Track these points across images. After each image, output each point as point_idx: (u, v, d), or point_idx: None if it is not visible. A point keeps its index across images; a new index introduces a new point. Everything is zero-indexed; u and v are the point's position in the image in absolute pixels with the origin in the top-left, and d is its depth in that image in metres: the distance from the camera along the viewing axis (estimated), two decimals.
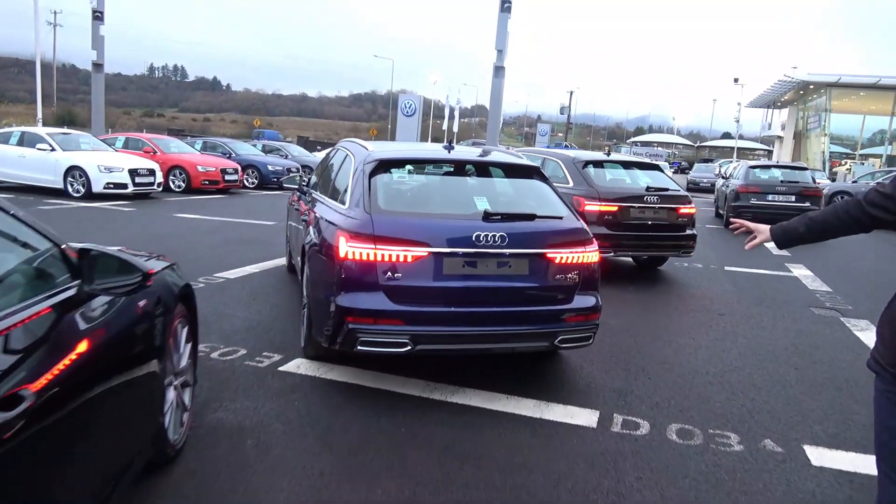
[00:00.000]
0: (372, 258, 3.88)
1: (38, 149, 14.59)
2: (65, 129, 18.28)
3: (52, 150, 14.59)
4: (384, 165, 4.36)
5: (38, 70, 22.28)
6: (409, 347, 3.89)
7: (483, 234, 3.95)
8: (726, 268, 9.85)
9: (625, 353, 5.36)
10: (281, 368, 4.56)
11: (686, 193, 8.70)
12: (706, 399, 4.45)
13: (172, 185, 17.41)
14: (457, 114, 56.32)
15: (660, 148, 71.06)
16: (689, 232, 8.50)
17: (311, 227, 4.77)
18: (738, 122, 51.77)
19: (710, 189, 29.59)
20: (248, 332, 5.35)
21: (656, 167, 9.21)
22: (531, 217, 4.17)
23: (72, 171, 14.30)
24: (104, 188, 14.22)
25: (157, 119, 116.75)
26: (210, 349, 4.86)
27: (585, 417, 4.00)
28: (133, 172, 14.71)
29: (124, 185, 14.51)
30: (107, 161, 14.53)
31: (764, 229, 2.58)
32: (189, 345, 3.47)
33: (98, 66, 20.85)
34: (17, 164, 14.79)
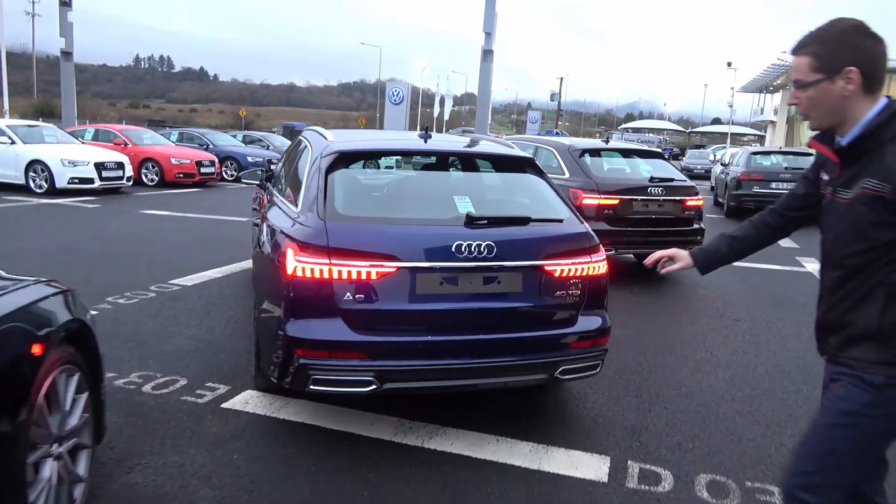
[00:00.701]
0: (327, 276, 3.10)
1: None
2: (29, 122, 17.31)
3: (12, 143, 13.66)
4: (345, 159, 3.57)
5: (3, 58, 21.19)
6: (373, 387, 3.12)
7: (465, 244, 3.17)
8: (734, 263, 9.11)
9: (635, 373, 4.61)
10: (225, 405, 3.78)
11: (692, 184, 7.94)
12: (736, 436, 3.70)
13: (145, 179, 16.52)
14: (447, 102, 55.34)
15: (651, 134, 70.32)
16: (696, 226, 7.76)
17: (261, 234, 3.98)
18: (731, 106, 51.13)
19: (704, 176, 28.88)
20: (194, 355, 4.56)
21: (659, 155, 8.45)
22: (524, 221, 3.40)
23: (33, 166, 13.40)
24: (68, 183, 13.33)
25: (143, 110, 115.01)
26: (143, 380, 4.07)
27: (594, 468, 3.24)
28: (100, 166, 13.82)
29: (90, 180, 13.62)
30: (71, 154, 13.62)
31: (683, 255, 2.42)
32: (84, 396, 2.68)
33: (67, 54, 19.84)
34: None
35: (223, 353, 4.62)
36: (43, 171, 13.33)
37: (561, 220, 3.54)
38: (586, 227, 3.60)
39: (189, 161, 16.73)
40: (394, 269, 3.13)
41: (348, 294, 3.12)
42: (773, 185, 14.06)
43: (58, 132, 15.55)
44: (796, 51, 1.78)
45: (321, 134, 4.08)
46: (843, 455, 1.84)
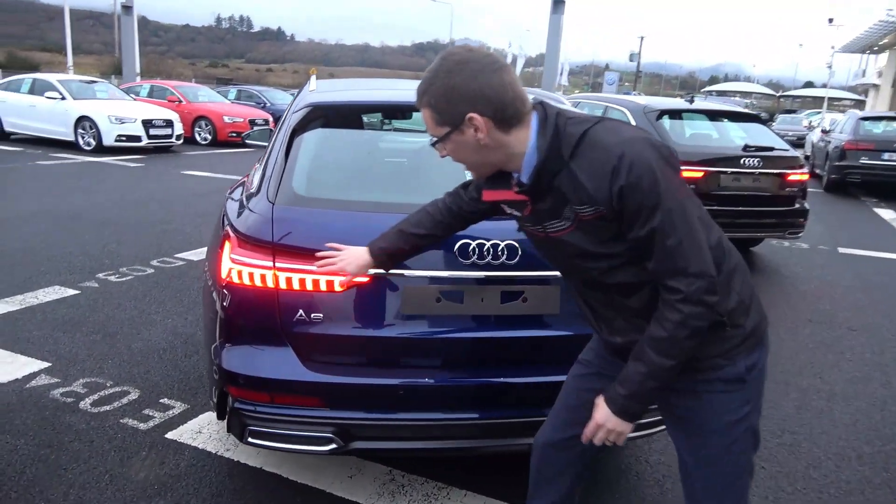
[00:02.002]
0: (271, 284, 2.13)
1: (48, 97, 13.36)
2: (85, 77, 17.08)
3: (63, 98, 13.32)
4: (322, 116, 2.56)
5: (67, 19, 21.09)
6: (333, 445, 2.16)
7: (475, 243, 2.13)
8: (840, 249, 7.66)
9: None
10: (171, 434, 2.92)
11: (797, 154, 6.53)
12: None
13: (198, 138, 16.06)
14: (520, 62, 53.21)
15: (737, 98, 65.75)
16: (798, 206, 6.38)
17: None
18: (830, 67, 46.78)
19: (797, 144, 26.39)
20: (163, 355, 3.73)
21: (754, 118, 7.04)
22: None
23: (82, 122, 13.04)
24: (115, 140, 12.91)
25: (221, 70, 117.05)
26: (86, 391, 3.27)
27: None
28: (147, 123, 13.33)
29: (137, 138, 13.17)
30: (119, 111, 13.17)
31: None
32: None
33: (127, 8, 19.51)
34: (28, 115, 13.65)
35: (197, 354, 3.77)
36: (91, 127, 12.96)
37: None
38: None
39: (242, 119, 16.12)
40: (367, 279, 2.12)
41: (301, 313, 2.14)
42: (886, 155, 12.16)
43: (111, 88, 15.20)
44: (418, 99, 1.50)
45: (311, 86, 3.09)
46: None
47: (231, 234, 2.25)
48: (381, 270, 2.01)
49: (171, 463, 2.70)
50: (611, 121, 1.48)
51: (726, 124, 6.97)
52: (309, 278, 2.12)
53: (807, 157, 17.59)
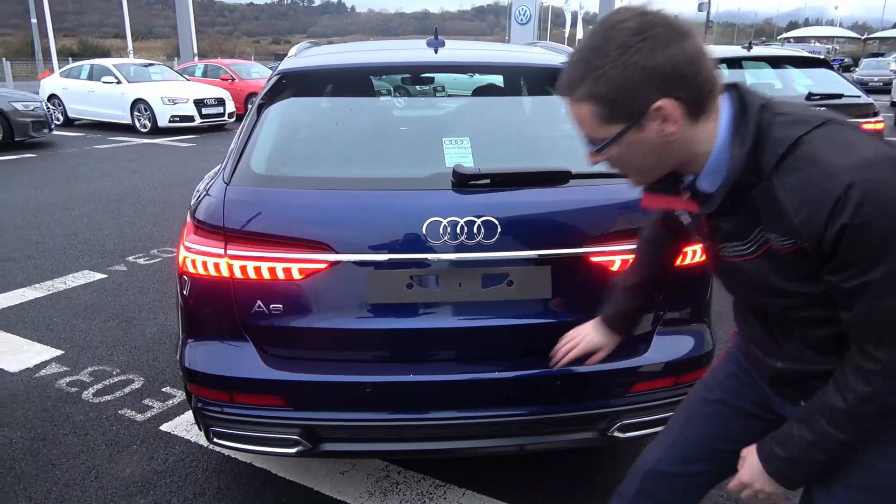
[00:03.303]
0: (226, 273, 1.94)
1: (104, 82, 13.70)
2: (141, 60, 17.44)
3: (118, 82, 13.63)
4: (293, 85, 2.32)
5: (125, 4, 21.57)
6: (300, 448, 1.97)
7: (447, 222, 1.86)
8: None
9: None
10: (166, 426, 2.82)
11: (869, 100, 5.85)
12: None
13: None
14: (580, 20, 51.39)
15: (818, 43, 61.33)
16: None
17: None
18: None
19: (883, 90, 24.43)
20: (174, 340, 3.63)
21: (822, 63, 6.35)
22: (560, 177, 2.00)
23: (137, 105, 13.31)
24: (169, 122, 13.13)
25: (283, 46, 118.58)
26: (92, 380, 3.21)
27: None
28: (199, 103, 13.48)
29: (190, 118, 13.35)
30: (171, 92, 13.36)
31: (592, 334, 1.70)
32: None
33: None
34: (87, 100, 14.05)
35: None
36: (146, 109, 13.21)
37: None
38: None
39: None
40: (324, 265, 1.90)
41: (258, 304, 1.94)
42: None
43: (165, 70, 15.44)
44: (568, 89, 1.09)
45: (291, 52, 2.86)
46: None
47: (188, 219, 2.07)
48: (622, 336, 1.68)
49: (159, 458, 2.60)
50: (842, 125, 1.06)
51: (790, 71, 6.33)
52: (264, 266, 1.91)
53: (893, 104, 16.20)
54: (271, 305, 1.94)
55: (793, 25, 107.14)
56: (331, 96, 2.36)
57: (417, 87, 2.58)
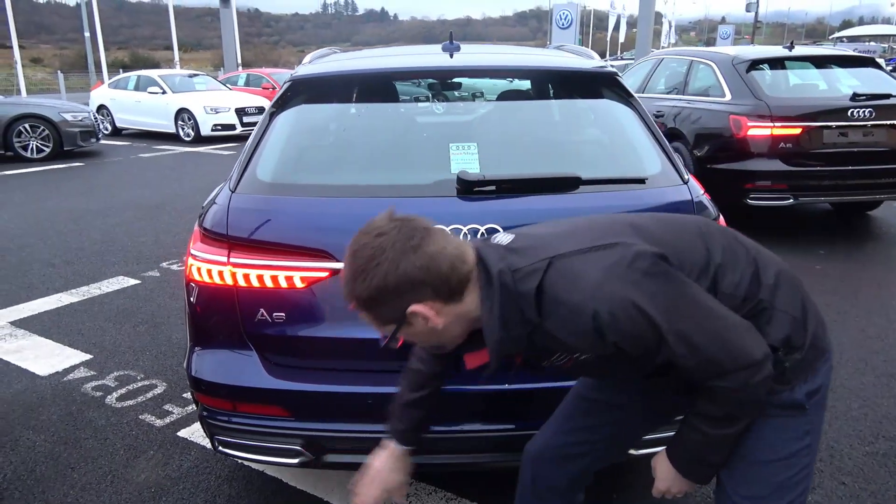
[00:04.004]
0: (230, 282, 1.93)
1: (150, 92, 14.10)
2: (186, 71, 17.89)
3: (164, 92, 14.01)
4: (303, 92, 2.31)
5: (171, 16, 22.18)
6: (302, 458, 1.94)
7: (451, 230, 1.81)
8: None
9: (823, 430, 2.97)
10: (183, 432, 2.84)
11: None
12: None
13: None
14: (623, 23, 50.75)
15: (872, 43, 59.11)
16: None
17: None
18: None
19: None
20: None
21: (869, 61, 6.09)
22: (570, 184, 1.94)
23: (181, 114, 13.65)
24: (212, 130, 13.41)
25: None
26: (117, 384, 3.27)
27: None
28: (240, 111, 13.74)
29: (232, 126, 13.61)
30: (214, 101, 13.66)
31: None
32: None
33: (225, 1, 20.21)
34: (134, 110, 14.48)
35: None
36: (189, 118, 13.53)
37: (643, 180, 2.01)
38: (693, 189, 2.04)
39: None
40: (326, 274, 1.87)
41: (262, 312, 1.93)
42: None
43: (209, 81, 15.81)
44: (347, 298, 1.25)
45: (308, 59, 2.86)
46: None
47: (196, 227, 2.08)
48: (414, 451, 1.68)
49: (174, 464, 2.61)
50: (565, 257, 1.22)
51: (834, 71, 6.08)
52: (267, 274, 1.90)
53: None
54: (274, 314, 1.92)
55: (846, 24, 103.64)
56: (339, 103, 2.34)
57: (433, 93, 2.53)
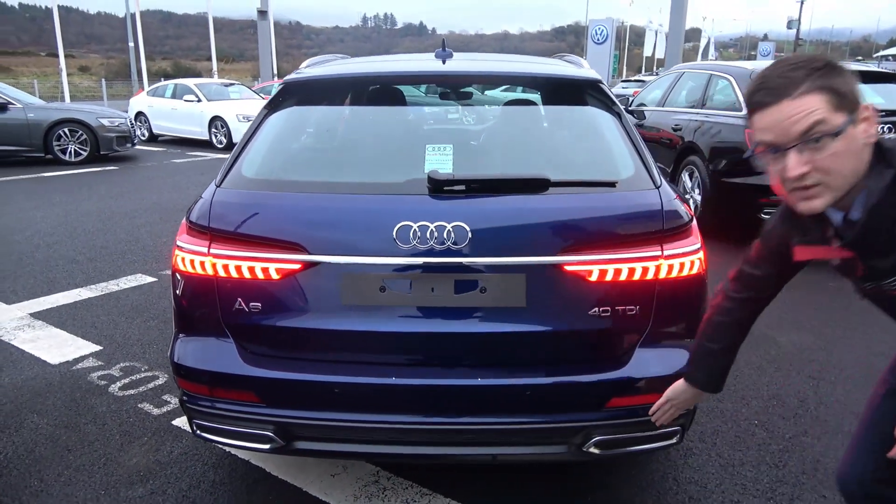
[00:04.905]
0: (210, 272, 2.02)
1: (186, 100, 14.50)
2: (221, 80, 18.35)
3: (199, 100, 14.40)
4: (294, 94, 2.41)
5: (211, 28, 22.82)
6: (272, 444, 2.01)
7: (417, 226, 1.88)
8: None
9: (790, 425, 2.95)
10: (177, 421, 2.94)
11: None
12: None
13: None
14: (660, 39, 50.47)
15: None
16: None
17: None
18: None
19: None
20: None
21: (893, 77, 5.99)
22: (540, 185, 1.99)
23: (214, 122, 14.02)
24: None
25: None
26: (121, 374, 3.39)
27: None
28: None
29: None
30: (246, 110, 13.98)
31: (678, 389, 1.82)
32: None
33: (262, 13, 20.73)
34: (171, 117, 14.90)
35: None
36: (222, 126, 13.89)
37: (613, 184, 2.05)
38: (664, 194, 2.07)
39: None
40: (298, 266, 1.95)
41: (239, 302, 2.01)
42: None
43: (243, 90, 16.20)
44: (786, 90, 1.16)
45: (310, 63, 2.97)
46: None
47: (184, 220, 2.18)
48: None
49: (165, 450, 2.71)
50: None
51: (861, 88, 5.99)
52: (244, 265, 1.98)
53: None
54: (251, 304, 2.01)
55: (893, 43, 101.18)
56: (327, 104, 2.44)
57: (420, 96, 2.61)
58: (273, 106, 2.37)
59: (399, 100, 2.43)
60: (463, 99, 2.59)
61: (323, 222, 1.96)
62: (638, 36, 67.83)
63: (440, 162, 2.06)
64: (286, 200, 2.01)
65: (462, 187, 1.95)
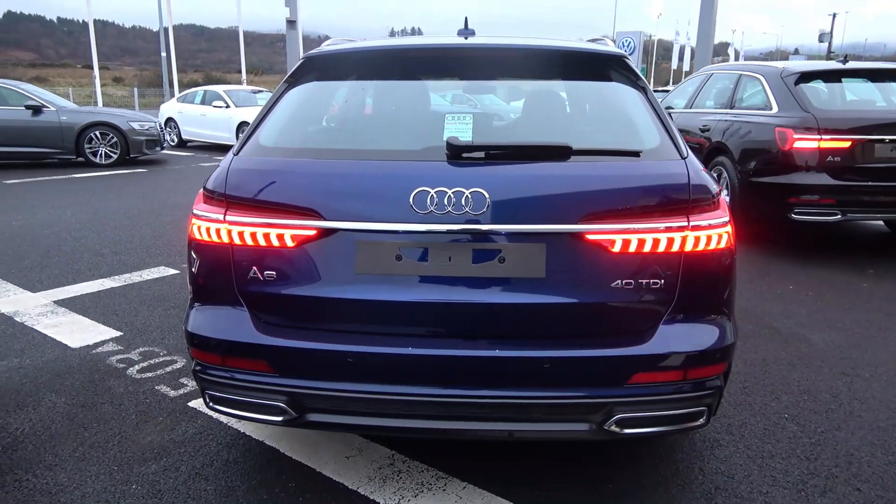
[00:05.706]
0: (226, 240, 2.00)
1: (215, 106, 14.70)
2: (250, 87, 18.58)
3: (227, 106, 14.58)
4: (315, 68, 2.39)
5: (241, 39, 23.15)
6: (285, 416, 1.97)
7: (435, 192, 1.84)
8: None
9: (822, 419, 2.83)
10: (194, 402, 2.92)
11: None
12: None
13: None
14: (688, 51, 50.13)
15: None
16: None
17: None
18: None
19: None
20: None
21: None
22: (561, 153, 1.93)
23: (242, 127, 14.15)
24: None
25: None
26: (140, 358, 3.39)
27: None
28: None
29: None
30: None
31: None
32: None
33: (291, 22, 20.99)
34: (200, 123, 15.11)
35: None
36: None
37: (637, 153, 1.98)
38: (690, 164, 2.00)
39: None
40: (314, 233, 1.91)
41: (254, 270, 1.98)
42: None
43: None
44: None
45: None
46: None
47: (200, 190, 2.16)
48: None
49: (180, 430, 2.68)
50: None
51: (890, 85, 5.84)
52: (259, 232, 1.95)
53: None
54: (265, 272, 1.97)
55: None
56: (347, 77, 2.41)
57: (439, 70, 2.57)
58: (293, 79, 2.35)
59: (419, 73, 2.39)
60: (487, 72, 2.54)
61: (338, 188, 1.93)
62: (666, 51, 67.48)
63: (460, 130, 2.02)
64: (301, 167, 1.98)
65: (481, 154, 1.91)
